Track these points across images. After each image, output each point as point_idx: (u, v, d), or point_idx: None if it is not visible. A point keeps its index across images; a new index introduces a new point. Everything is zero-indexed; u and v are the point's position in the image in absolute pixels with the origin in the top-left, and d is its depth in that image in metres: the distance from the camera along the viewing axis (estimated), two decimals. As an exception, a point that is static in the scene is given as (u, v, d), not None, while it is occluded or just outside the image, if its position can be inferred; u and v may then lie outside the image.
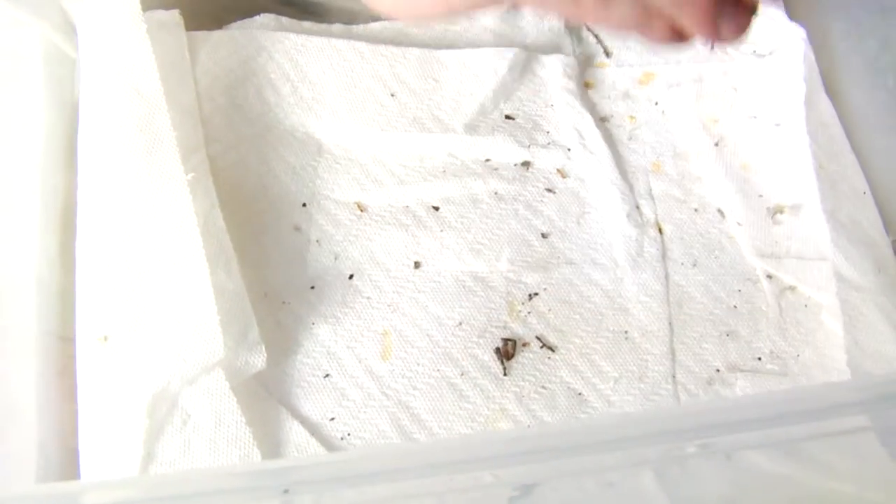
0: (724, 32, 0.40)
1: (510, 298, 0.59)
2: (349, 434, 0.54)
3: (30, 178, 0.59)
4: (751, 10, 0.40)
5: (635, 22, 0.40)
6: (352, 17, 0.70)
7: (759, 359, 0.58)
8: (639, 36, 0.41)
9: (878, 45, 0.63)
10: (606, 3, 0.40)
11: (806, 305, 0.59)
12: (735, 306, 0.59)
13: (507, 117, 0.65)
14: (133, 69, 0.58)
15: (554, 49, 0.68)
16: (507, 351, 0.57)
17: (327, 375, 0.56)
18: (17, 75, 0.62)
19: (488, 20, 0.69)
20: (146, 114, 0.57)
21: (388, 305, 0.58)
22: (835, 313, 0.57)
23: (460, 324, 0.57)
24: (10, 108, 0.60)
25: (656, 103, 0.67)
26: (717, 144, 0.65)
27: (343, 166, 0.63)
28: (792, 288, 0.60)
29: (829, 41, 0.67)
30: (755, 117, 0.65)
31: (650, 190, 0.63)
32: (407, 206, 0.61)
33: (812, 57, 0.66)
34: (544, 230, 0.61)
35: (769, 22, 0.68)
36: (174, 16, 0.65)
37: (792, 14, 0.68)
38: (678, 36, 0.41)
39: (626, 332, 0.58)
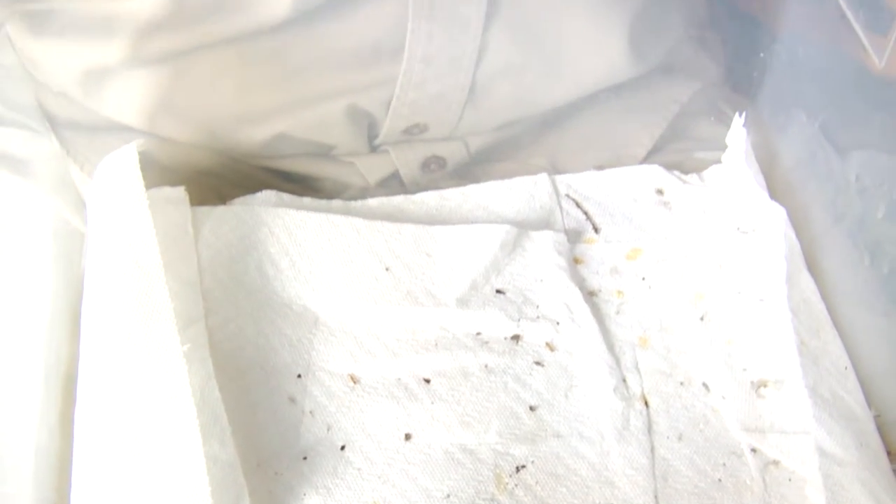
0: None
1: (498, 471, 0.59)
2: None
3: (34, 348, 0.61)
4: None
5: None
6: (345, 187, 0.74)
7: (746, 533, 0.58)
8: None
9: (855, 224, 0.65)
10: None
11: (790, 479, 0.60)
12: (720, 480, 0.60)
13: (498, 291, 0.67)
14: (135, 243, 0.60)
15: (544, 225, 0.71)
16: (495, 523, 0.57)
17: (316, 547, 0.56)
18: (28, 249, 0.65)
19: (481, 197, 0.72)
20: (145, 286, 0.59)
21: (378, 477, 0.59)
22: (818, 488, 0.58)
23: (448, 496, 0.58)
24: (18, 280, 0.63)
25: (643, 278, 0.69)
26: (702, 319, 0.67)
27: (338, 338, 0.65)
28: (776, 462, 0.60)
29: (810, 219, 0.69)
30: (740, 293, 0.67)
31: (637, 363, 0.65)
32: (399, 379, 0.63)
33: (793, 235, 0.68)
34: (532, 403, 0.63)
35: (752, 201, 0.70)
36: (179, 192, 0.68)
37: (773, 193, 0.71)
38: None
39: (612, 505, 0.58)
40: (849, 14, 0.61)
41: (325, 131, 0.71)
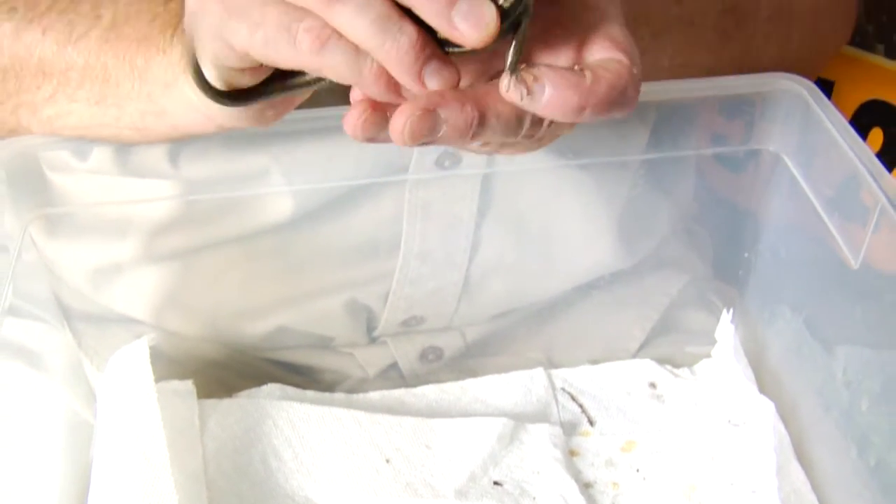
0: (430, 83, 0.43)
1: None
2: None
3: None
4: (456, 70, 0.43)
5: (349, 72, 0.44)
6: (344, 377, 0.76)
7: None
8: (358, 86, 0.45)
9: (843, 416, 0.67)
10: (321, 50, 0.43)
11: None
12: None
13: (496, 483, 0.68)
14: (143, 436, 0.62)
15: (540, 418, 0.73)
16: None
17: None
18: (38, 439, 0.66)
19: (479, 391, 0.74)
20: (151, 478, 0.60)
21: None
22: None
23: None
24: (28, 469, 0.64)
25: (638, 470, 0.70)
26: (696, 510, 0.68)
27: (339, 530, 0.66)
28: None
29: (798, 411, 0.71)
30: (732, 484, 0.68)
31: (632, 554, 0.66)
32: None
33: (782, 428, 0.70)
34: None
35: (741, 395, 0.72)
36: (187, 385, 0.70)
37: (762, 386, 0.73)
38: (393, 87, 0.44)
39: None
40: (825, 216, 0.65)
41: (325, 324, 0.74)
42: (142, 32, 0.56)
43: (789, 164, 0.68)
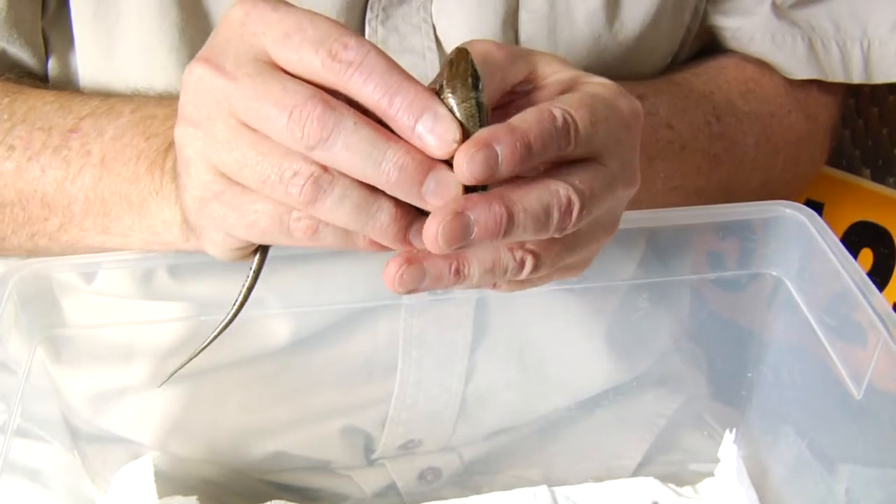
0: (416, 242, 0.46)
1: None
2: None
3: None
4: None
5: (344, 246, 0.48)
6: (343, 499, 0.76)
7: None
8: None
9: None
10: (314, 237, 0.47)
11: None
12: None
13: None
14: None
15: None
16: None
17: None
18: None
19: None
20: None
21: None
22: None
23: None
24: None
25: None
26: None
27: None
28: None
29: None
30: None
31: None
32: None
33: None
34: None
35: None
36: (191, 501, 0.70)
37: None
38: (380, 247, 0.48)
39: None
40: (826, 342, 0.65)
41: (323, 449, 0.74)
42: (131, 171, 0.58)
43: (791, 288, 0.69)
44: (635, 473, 0.78)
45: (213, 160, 0.47)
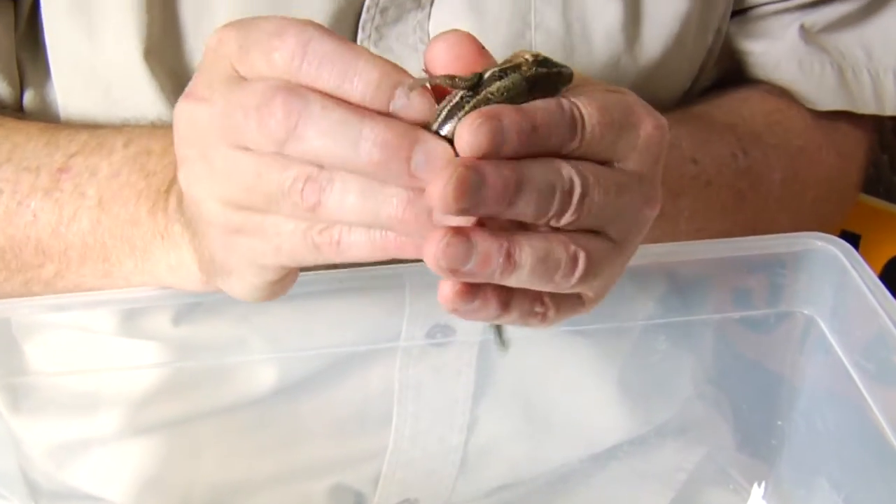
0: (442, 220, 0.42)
1: None
2: None
3: None
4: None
5: (375, 253, 0.45)
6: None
7: None
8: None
9: None
10: (339, 249, 0.45)
11: None
12: None
13: None
14: None
15: None
16: None
17: None
18: None
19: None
20: None
21: None
22: None
23: None
24: None
25: None
26: None
27: None
28: None
29: None
30: None
31: None
32: None
33: None
34: None
35: None
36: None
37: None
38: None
39: None
40: (862, 388, 0.62)
41: None
42: (131, 213, 0.57)
43: (824, 327, 0.66)
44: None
45: (221, 194, 0.46)
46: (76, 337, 0.65)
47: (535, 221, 0.43)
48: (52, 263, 0.59)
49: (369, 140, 0.41)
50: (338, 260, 0.46)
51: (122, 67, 0.61)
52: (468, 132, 0.41)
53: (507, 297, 0.44)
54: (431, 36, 0.63)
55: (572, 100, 0.44)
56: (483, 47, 0.45)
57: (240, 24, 0.45)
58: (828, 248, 0.63)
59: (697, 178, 0.66)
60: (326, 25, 0.60)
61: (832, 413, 0.68)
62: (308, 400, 0.67)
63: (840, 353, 0.64)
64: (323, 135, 0.42)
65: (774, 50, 0.72)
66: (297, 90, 0.43)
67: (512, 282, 0.43)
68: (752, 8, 0.72)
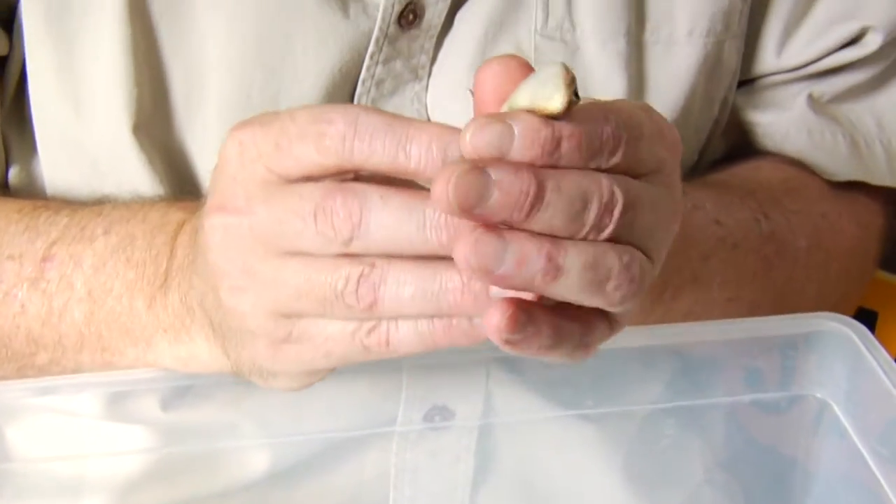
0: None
1: None
2: None
3: None
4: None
5: (426, 345, 0.44)
6: None
7: None
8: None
9: None
10: (389, 348, 0.44)
11: None
12: None
13: None
14: None
15: None
16: None
17: None
18: None
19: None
20: None
21: None
22: None
23: None
24: None
25: None
26: None
27: None
28: None
29: None
30: None
31: None
32: None
33: None
34: None
35: None
36: None
37: None
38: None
39: None
40: (880, 477, 0.60)
41: None
42: (126, 307, 0.56)
43: (838, 411, 0.64)
44: None
45: (268, 306, 0.45)
46: (60, 421, 0.63)
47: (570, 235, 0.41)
48: (46, 353, 0.57)
49: (433, 221, 0.41)
50: (388, 357, 0.45)
51: (110, 142, 0.60)
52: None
53: (558, 323, 0.41)
54: (430, 108, 0.62)
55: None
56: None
57: (260, 125, 0.44)
58: (841, 330, 0.61)
59: (724, 241, 0.64)
60: (322, 100, 0.60)
61: (847, 500, 0.66)
62: (302, 485, 0.65)
63: (855, 437, 0.62)
64: (386, 227, 0.41)
65: (783, 120, 0.71)
66: (350, 186, 0.42)
67: (559, 290, 0.40)
68: (758, 78, 0.71)
